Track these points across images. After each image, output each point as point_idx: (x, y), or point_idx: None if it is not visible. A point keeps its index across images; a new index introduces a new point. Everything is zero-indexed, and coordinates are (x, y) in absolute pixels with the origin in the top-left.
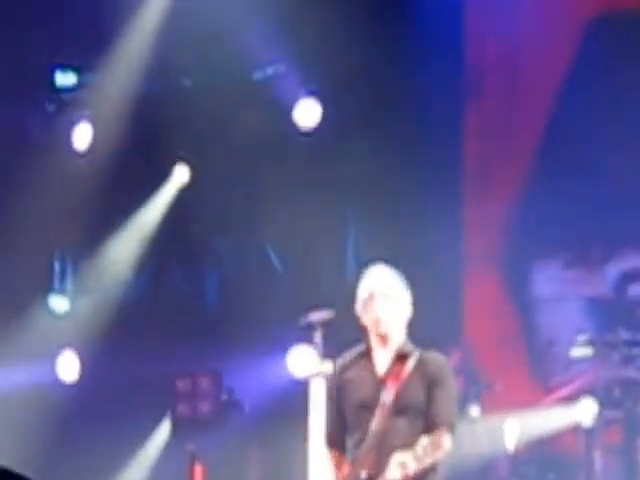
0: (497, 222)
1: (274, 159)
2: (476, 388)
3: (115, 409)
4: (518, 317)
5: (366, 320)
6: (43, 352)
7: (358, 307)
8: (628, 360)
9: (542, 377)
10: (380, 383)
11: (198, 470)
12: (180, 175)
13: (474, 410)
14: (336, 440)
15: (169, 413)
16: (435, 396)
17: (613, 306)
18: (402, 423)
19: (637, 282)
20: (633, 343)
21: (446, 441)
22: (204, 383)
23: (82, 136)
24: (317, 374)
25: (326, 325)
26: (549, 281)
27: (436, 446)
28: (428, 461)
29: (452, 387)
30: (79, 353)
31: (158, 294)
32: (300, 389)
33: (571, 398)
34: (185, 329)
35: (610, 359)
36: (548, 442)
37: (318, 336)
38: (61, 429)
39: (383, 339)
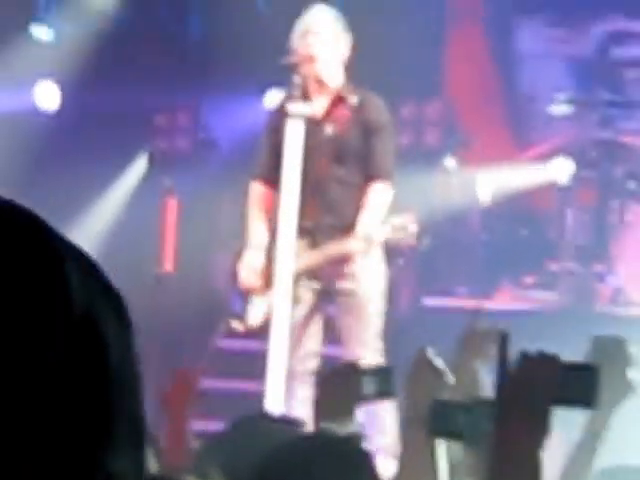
0: None
1: None
2: (453, 140)
3: (93, 141)
4: (500, 72)
5: (300, 58)
6: (24, 80)
7: (293, 44)
8: (607, 121)
9: (520, 133)
10: (317, 126)
11: (171, 204)
12: None
13: (450, 162)
14: (270, 175)
15: (146, 147)
16: (375, 145)
17: (595, 66)
18: (340, 171)
19: (621, 44)
20: (612, 104)
21: (389, 193)
22: (182, 119)
23: None
24: (294, 115)
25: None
26: (533, 38)
27: (385, 203)
28: (380, 219)
29: (392, 135)
30: (60, 82)
31: (142, 28)
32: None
33: (548, 156)
34: (167, 65)
35: (589, 119)
36: (522, 198)
37: (297, 78)
38: (38, 158)
39: (319, 81)
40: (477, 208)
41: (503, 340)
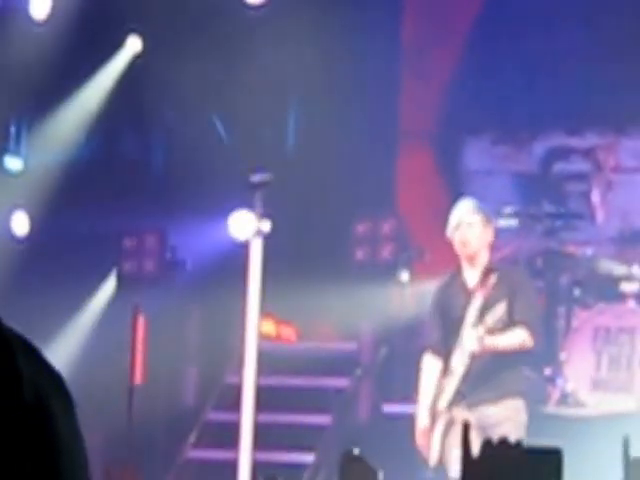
0: (431, 98)
1: (224, 33)
2: (406, 255)
3: (64, 264)
4: (448, 189)
5: (457, 243)
6: None
7: (449, 233)
8: (551, 232)
9: None
10: (470, 295)
11: (141, 321)
12: (132, 46)
13: (404, 275)
14: (438, 346)
15: (115, 269)
16: (516, 299)
17: (538, 181)
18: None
19: (562, 159)
20: (556, 216)
21: (518, 333)
22: (149, 242)
23: (40, 4)
24: (256, 234)
25: (265, 186)
26: (479, 155)
27: (506, 330)
28: (500, 341)
29: (532, 291)
30: (31, 210)
31: (108, 157)
32: (239, 251)
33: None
34: (133, 191)
35: (534, 231)
36: None
37: (258, 197)
38: (12, 281)
39: (471, 259)
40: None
41: (465, 428)
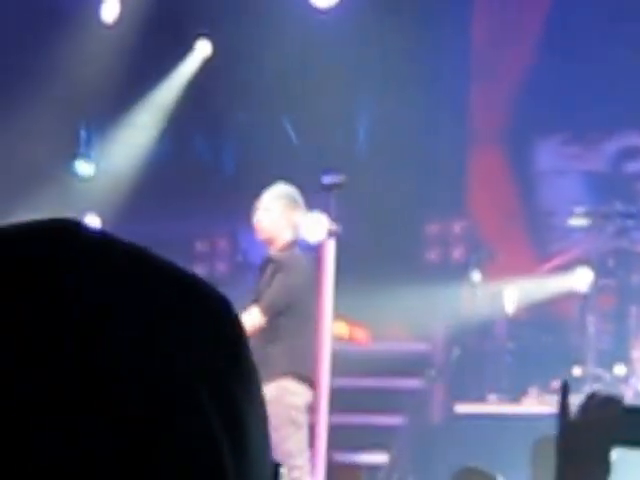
0: (501, 99)
1: (293, 35)
2: (478, 255)
3: None
4: (519, 189)
5: (255, 224)
6: (70, 212)
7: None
8: (622, 231)
9: (541, 246)
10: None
11: None
12: (202, 49)
13: (476, 276)
14: None
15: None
16: (270, 281)
17: (610, 180)
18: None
19: (634, 159)
20: (627, 215)
21: (249, 315)
22: (221, 244)
23: (110, 8)
24: (329, 235)
25: (338, 188)
26: (549, 156)
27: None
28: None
29: (284, 275)
30: (102, 214)
31: (179, 161)
32: (311, 253)
33: (567, 266)
34: (204, 194)
35: (605, 230)
36: (545, 307)
37: (331, 198)
38: None
39: (270, 243)
40: (503, 318)
41: (564, 388)
